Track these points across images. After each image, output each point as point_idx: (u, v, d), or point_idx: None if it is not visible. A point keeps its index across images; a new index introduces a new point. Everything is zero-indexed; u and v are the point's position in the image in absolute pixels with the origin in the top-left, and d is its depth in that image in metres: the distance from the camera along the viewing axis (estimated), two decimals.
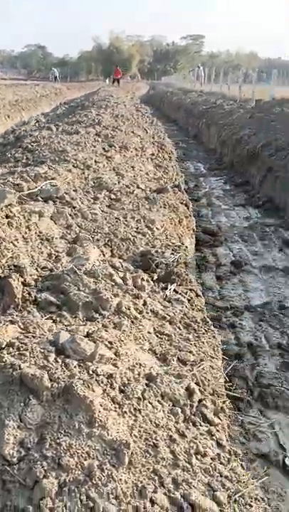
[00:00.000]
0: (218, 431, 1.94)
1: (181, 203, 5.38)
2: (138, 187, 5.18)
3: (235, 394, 3.02)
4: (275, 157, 8.50)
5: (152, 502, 1.50)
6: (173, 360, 2.29)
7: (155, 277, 3.22)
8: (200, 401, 2.03)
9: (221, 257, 5.60)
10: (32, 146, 6.47)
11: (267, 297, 4.62)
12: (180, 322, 2.70)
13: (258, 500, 1.66)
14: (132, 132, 8.64)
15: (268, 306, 4.37)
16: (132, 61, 76.05)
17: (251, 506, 1.61)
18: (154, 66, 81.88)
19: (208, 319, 2.86)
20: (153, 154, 7.54)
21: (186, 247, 4.85)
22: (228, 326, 4.02)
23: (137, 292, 2.72)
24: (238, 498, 1.62)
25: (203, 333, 2.67)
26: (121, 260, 3.39)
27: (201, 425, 1.92)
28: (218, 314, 4.18)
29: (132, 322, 2.45)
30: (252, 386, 3.14)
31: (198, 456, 1.75)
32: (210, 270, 5.18)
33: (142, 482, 1.55)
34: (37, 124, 11.52)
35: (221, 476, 1.71)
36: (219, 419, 2.04)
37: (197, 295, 3.23)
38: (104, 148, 6.11)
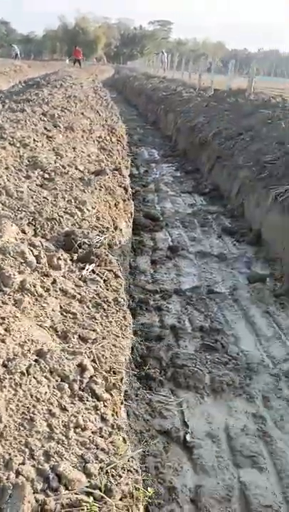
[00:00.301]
0: (105, 406, 1.97)
1: (120, 186, 5.36)
2: (76, 168, 5.12)
3: (147, 373, 3.09)
4: (223, 146, 8.60)
5: (18, 473, 1.51)
6: (73, 338, 2.30)
7: (75, 257, 3.21)
8: (91, 377, 2.04)
9: (159, 242, 5.65)
10: None
11: (198, 282, 4.70)
12: (90, 301, 2.70)
13: (130, 472, 1.70)
14: (82, 114, 8.51)
15: (197, 291, 4.45)
16: (98, 43, 74.86)
17: (121, 477, 1.64)
18: (121, 50, 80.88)
19: (121, 300, 2.87)
20: (100, 137, 7.47)
21: (121, 229, 4.88)
22: (154, 309, 4.07)
23: (47, 271, 2.70)
24: (109, 470, 1.66)
25: (113, 313, 2.68)
26: (43, 240, 3.35)
27: (88, 400, 1.94)
28: (146, 297, 4.22)
29: (36, 300, 2.43)
30: (166, 366, 3.19)
31: (78, 430, 1.77)
32: (146, 254, 5.21)
33: (10, 454, 1.56)
34: None
35: (97, 448, 1.73)
36: (110, 395, 2.07)
37: (116, 276, 3.24)
38: (46, 128, 6.00)
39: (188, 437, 2.63)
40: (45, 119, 6.88)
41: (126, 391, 2.66)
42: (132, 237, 5.42)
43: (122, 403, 2.15)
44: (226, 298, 4.38)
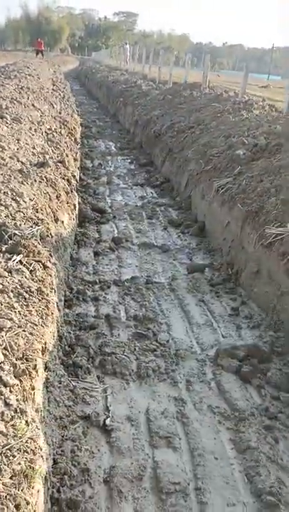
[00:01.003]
0: (10, 391, 2.02)
1: (63, 179, 5.39)
2: (18, 160, 5.12)
3: (74, 361, 3.16)
4: (175, 139, 8.71)
5: None
6: None
7: (4, 249, 3.24)
8: None
9: (103, 234, 5.71)
10: None
11: (138, 273, 4.79)
12: (12, 291, 2.75)
13: (26, 452, 1.77)
14: (33, 105, 8.46)
15: (136, 281, 4.54)
16: (61, 34, 73.84)
17: (14, 457, 1.71)
18: (85, 41, 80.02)
19: (45, 290, 2.92)
20: (50, 129, 7.45)
21: (62, 221, 4.92)
22: (91, 299, 4.13)
23: None
24: (5, 451, 1.72)
25: (34, 303, 2.74)
26: None
27: None
28: (84, 288, 4.28)
29: None
30: (94, 354, 3.27)
31: None
32: (89, 246, 5.26)
33: None
34: None
35: None
36: (20, 381, 2.13)
37: (45, 267, 3.28)
38: None
39: (107, 421, 2.71)
40: None
41: (47, 378, 2.74)
42: (76, 229, 5.47)
43: (33, 388, 2.21)
44: (164, 288, 4.49)
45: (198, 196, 6.36)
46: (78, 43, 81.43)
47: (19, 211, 3.92)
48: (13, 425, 1.87)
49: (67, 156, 6.39)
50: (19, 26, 75.36)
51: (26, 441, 1.82)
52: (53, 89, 13.71)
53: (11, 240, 3.38)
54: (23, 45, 72.66)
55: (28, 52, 50.68)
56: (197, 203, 6.39)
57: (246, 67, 11.08)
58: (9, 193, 4.15)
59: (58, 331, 3.18)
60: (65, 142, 6.92)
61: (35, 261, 3.24)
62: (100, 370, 3.19)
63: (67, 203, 5.23)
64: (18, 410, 1.96)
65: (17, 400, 2.01)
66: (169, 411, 2.87)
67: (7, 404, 1.96)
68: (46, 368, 2.76)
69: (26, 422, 1.95)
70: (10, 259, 3.15)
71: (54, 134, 7.18)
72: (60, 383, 2.87)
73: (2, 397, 1.97)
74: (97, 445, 2.57)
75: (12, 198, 4.09)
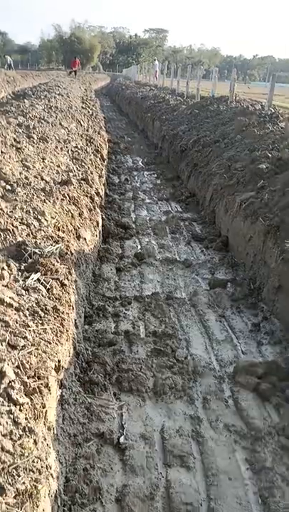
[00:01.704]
0: (20, 410, 2.07)
1: (86, 196, 5.49)
2: (42, 179, 5.25)
3: (90, 377, 3.18)
4: (200, 153, 8.73)
5: None
6: (1, 345, 2.40)
7: (22, 267, 3.32)
8: (9, 383, 2.14)
9: (127, 249, 5.75)
10: None
11: (160, 288, 4.80)
12: (28, 310, 2.81)
13: (32, 472, 1.80)
14: (60, 124, 8.67)
15: (156, 296, 4.55)
16: (93, 52, 75.45)
17: (19, 476, 1.74)
18: (116, 58, 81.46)
19: (61, 308, 2.98)
20: (76, 147, 7.61)
21: (85, 238, 4.99)
22: (111, 315, 4.17)
23: None
24: (10, 470, 1.76)
25: (49, 321, 2.79)
26: None
27: (2, 405, 2.03)
28: (105, 304, 4.32)
29: None
30: (111, 371, 3.28)
31: None
32: (112, 262, 5.31)
33: None
34: None
35: (2, 450, 1.83)
36: (30, 399, 2.17)
37: (62, 284, 3.35)
38: (15, 140, 6.13)
39: (122, 439, 2.72)
40: (20, 130, 7.02)
41: (62, 395, 2.78)
42: (99, 245, 5.54)
43: (44, 407, 2.25)
44: (185, 303, 4.48)
45: (222, 210, 6.34)
46: (109, 60, 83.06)
47: (40, 229, 4.01)
48: (20, 444, 1.91)
49: (91, 173, 6.51)
50: (52, 46, 77.67)
51: (33, 461, 1.85)
52: (82, 107, 14.01)
53: (30, 258, 3.46)
54: (56, 65, 74.79)
55: (60, 71, 52.09)
56: (221, 217, 6.37)
57: (273, 78, 11.00)
58: (31, 211, 4.25)
59: (75, 348, 3.22)
60: (90, 159, 7.05)
61: (53, 279, 3.30)
62: (116, 387, 3.21)
63: (90, 220, 5.32)
64: (27, 429, 2.00)
65: (26, 418, 2.05)
66: (184, 429, 2.86)
67: (16, 423, 2.00)
68: (61, 386, 2.81)
69: (35, 440, 1.98)
70: (28, 277, 3.23)
71: (79, 151, 7.33)
72: (75, 400, 2.90)
73: (11, 415, 2.01)
74: (110, 463, 2.57)
75: (34, 217, 4.19)
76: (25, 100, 10.61)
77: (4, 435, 1.92)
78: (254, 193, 5.55)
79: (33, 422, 2.09)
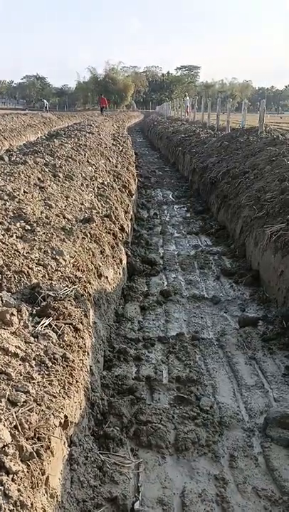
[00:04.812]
0: (13, 480, 1.84)
1: (109, 233, 5.35)
2: (64, 217, 5.16)
3: (105, 431, 2.93)
4: (230, 185, 8.53)
5: None
6: (0, 402, 2.21)
7: (34, 311, 3.16)
8: (3, 447, 1.93)
9: (152, 287, 5.54)
10: None
11: (186, 328, 4.54)
12: (34, 359, 2.62)
13: None
14: (88, 162, 8.70)
15: (181, 337, 4.28)
16: (127, 91, 77.67)
17: None
18: (150, 96, 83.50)
19: (70, 356, 2.77)
20: (103, 183, 7.57)
21: (107, 277, 4.82)
22: (133, 359, 3.93)
23: None
24: None
25: (57, 371, 2.59)
26: (8, 294, 3.34)
27: None
28: (127, 346, 4.09)
29: None
30: (128, 423, 3.02)
31: None
32: (136, 300, 5.10)
33: None
34: (4, 154, 11.62)
35: None
36: (27, 465, 1.95)
37: (76, 329, 3.16)
38: (39, 179, 6.12)
39: (136, 505, 2.44)
40: (46, 169, 7.04)
41: (71, 454, 2.54)
42: (123, 283, 5.35)
43: (43, 473, 2.02)
44: (212, 344, 4.19)
45: (252, 243, 6.06)
46: (143, 98, 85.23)
47: (57, 270, 3.87)
48: None
49: (116, 209, 6.40)
50: (88, 88, 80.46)
51: None
52: (112, 144, 14.17)
53: (44, 301, 3.30)
54: (92, 105, 77.32)
55: (95, 111, 53.79)
56: (251, 250, 6.08)
57: None
58: (49, 251, 4.13)
59: (89, 399, 2.99)
60: (116, 196, 6.96)
61: (65, 324, 3.12)
62: (134, 441, 2.94)
63: (113, 258, 5.16)
64: (19, 503, 1.77)
65: (19, 490, 1.83)
66: (207, 493, 2.55)
67: (6, 496, 1.77)
68: (71, 443, 2.57)
69: None
70: (39, 322, 3.06)
71: (105, 188, 7.28)
72: (86, 459, 2.65)
73: (2, 487, 1.79)
74: None
75: (52, 257, 4.06)
76: (55, 140, 10.78)
77: None
78: (284, 224, 5.27)
79: (29, 493, 1.86)
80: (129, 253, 6.10)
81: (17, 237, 4.31)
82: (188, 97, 31.35)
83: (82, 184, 6.94)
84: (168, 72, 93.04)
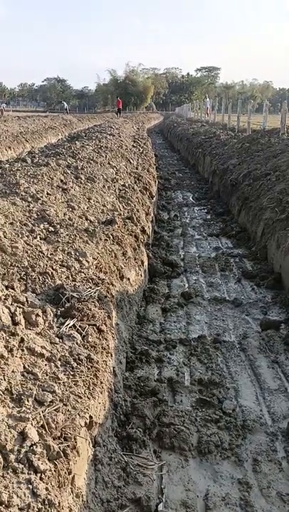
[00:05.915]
0: (41, 479, 1.87)
1: (130, 235, 5.37)
2: (86, 219, 5.20)
3: (128, 433, 2.94)
4: (251, 187, 8.48)
5: None
6: (27, 401, 2.24)
7: (59, 312, 3.20)
8: (31, 446, 1.96)
9: (173, 289, 5.54)
10: None
11: (207, 330, 4.53)
12: (60, 360, 2.65)
13: None
14: (109, 163, 8.74)
15: (203, 340, 4.28)
16: (147, 93, 77.80)
17: None
18: (169, 97, 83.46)
19: (95, 357, 2.80)
20: (124, 185, 7.61)
21: (128, 279, 4.85)
22: (155, 361, 3.94)
23: (14, 330, 2.67)
24: None
25: (82, 372, 2.61)
26: (33, 295, 3.38)
27: (22, 473, 1.85)
28: (149, 348, 4.10)
29: None
30: (151, 425, 3.03)
31: (1, 508, 1.68)
32: (157, 302, 5.11)
33: None
34: (26, 156, 11.75)
35: None
36: (54, 464, 1.98)
37: (100, 330, 3.19)
38: (61, 181, 6.18)
39: (160, 507, 2.45)
40: (69, 171, 7.10)
41: (95, 455, 2.56)
42: (144, 284, 5.37)
43: (70, 473, 2.05)
44: (234, 347, 4.18)
45: (274, 246, 6.02)
46: (162, 100, 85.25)
47: (80, 271, 3.91)
48: None
49: (137, 211, 6.43)
50: (108, 90, 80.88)
51: None
52: (132, 146, 14.21)
53: (68, 302, 3.34)
54: (111, 107, 77.65)
55: (114, 113, 54.04)
56: (273, 253, 6.04)
57: None
58: (73, 253, 4.17)
59: (112, 400, 3.01)
60: (137, 197, 6.99)
61: (89, 325, 3.15)
62: (156, 443, 2.94)
63: (135, 259, 5.18)
64: (47, 502, 1.80)
65: (47, 488, 1.85)
66: (231, 496, 2.54)
67: (34, 495, 1.80)
68: (95, 444, 2.60)
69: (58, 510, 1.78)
70: (63, 323, 3.09)
71: (126, 189, 7.31)
72: (110, 459, 2.67)
73: (31, 486, 1.82)
74: None
75: (75, 258, 4.10)
76: (77, 142, 10.86)
77: (21, 509, 1.72)
78: None
79: (56, 492, 1.89)
80: (150, 255, 6.11)
81: (41, 238, 4.36)
82: (208, 99, 31.24)
83: (103, 186, 6.98)
84: (188, 74, 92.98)
